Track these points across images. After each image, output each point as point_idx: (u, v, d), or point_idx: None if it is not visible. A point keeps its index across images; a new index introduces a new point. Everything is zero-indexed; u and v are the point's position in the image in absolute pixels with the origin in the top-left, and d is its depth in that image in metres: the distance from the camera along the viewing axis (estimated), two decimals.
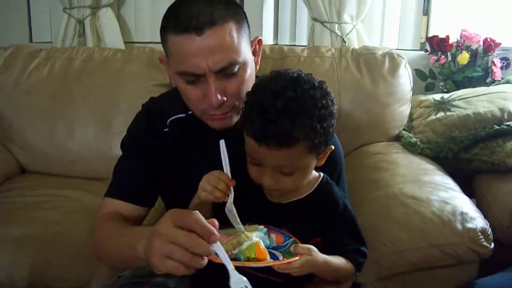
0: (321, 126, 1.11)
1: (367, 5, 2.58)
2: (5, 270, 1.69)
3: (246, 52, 1.22)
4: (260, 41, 1.33)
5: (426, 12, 2.78)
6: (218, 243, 0.96)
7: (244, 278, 0.99)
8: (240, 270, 1.04)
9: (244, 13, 1.25)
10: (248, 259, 1.07)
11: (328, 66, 2.25)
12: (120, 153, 1.45)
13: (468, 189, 1.85)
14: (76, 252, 1.74)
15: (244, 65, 1.22)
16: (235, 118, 1.27)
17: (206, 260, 0.96)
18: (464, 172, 2.04)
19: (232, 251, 1.08)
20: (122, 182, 1.41)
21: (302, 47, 2.51)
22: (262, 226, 1.17)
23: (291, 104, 1.09)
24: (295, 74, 1.15)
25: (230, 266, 0.99)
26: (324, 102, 1.12)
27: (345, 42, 2.57)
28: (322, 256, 1.14)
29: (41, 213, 1.95)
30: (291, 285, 1.20)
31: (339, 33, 2.58)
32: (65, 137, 2.29)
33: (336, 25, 2.58)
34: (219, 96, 1.19)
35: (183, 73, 1.20)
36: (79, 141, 2.28)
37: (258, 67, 1.32)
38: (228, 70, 1.19)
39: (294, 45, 2.77)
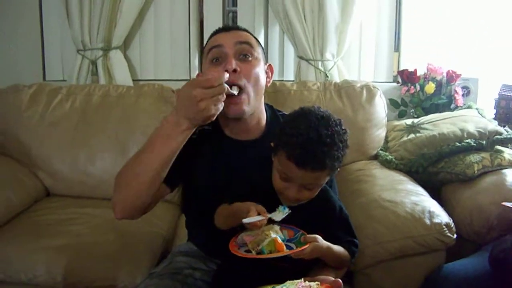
0: (342, 156, 1.39)
1: (346, 44, 2.82)
2: (48, 272, 1.93)
3: (260, 58, 1.59)
4: (270, 66, 1.69)
5: (397, 48, 3.02)
6: None
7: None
8: (264, 260, 1.31)
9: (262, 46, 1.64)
10: (270, 252, 1.32)
11: (314, 98, 2.51)
12: None
13: (437, 200, 2.03)
14: (105, 257, 1.97)
15: (257, 61, 1.58)
16: (247, 107, 1.56)
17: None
18: (432, 183, 2.28)
19: (257, 247, 1.33)
20: None
21: (291, 82, 2.75)
22: (276, 225, 1.39)
23: (325, 139, 1.34)
24: (324, 114, 1.40)
25: None
26: (344, 137, 1.40)
27: (327, 76, 2.80)
28: (326, 243, 1.40)
29: (72, 227, 2.18)
30: (298, 270, 1.42)
31: (322, 69, 2.82)
32: (87, 163, 2.51)
33: (320, 62, 2.82)
34: (234, 64, 1.52)
35: (212, 48, 1.56)
36: (100, 167, 2.51)
37: (269, 85, 1.67)
38: (244, 52, 1.55)
39: (283, 80, 3.01)
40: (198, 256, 1.77)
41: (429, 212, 1.85)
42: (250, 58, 1.56)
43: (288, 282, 1.30)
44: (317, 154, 1.34)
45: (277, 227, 1.39)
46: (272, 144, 1.46)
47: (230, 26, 1.59)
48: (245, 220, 1.32)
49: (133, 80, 3.04)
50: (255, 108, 1.61)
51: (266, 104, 1.71)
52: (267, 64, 1.68)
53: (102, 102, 2.62)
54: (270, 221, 1.38)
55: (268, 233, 1.35)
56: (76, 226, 2.20)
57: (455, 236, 1.81)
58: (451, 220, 1.84)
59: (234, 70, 1.52)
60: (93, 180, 2.53)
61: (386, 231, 1.82)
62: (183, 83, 2.55)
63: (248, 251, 1.34)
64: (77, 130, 2.56)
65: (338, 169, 1.44)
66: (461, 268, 1.77)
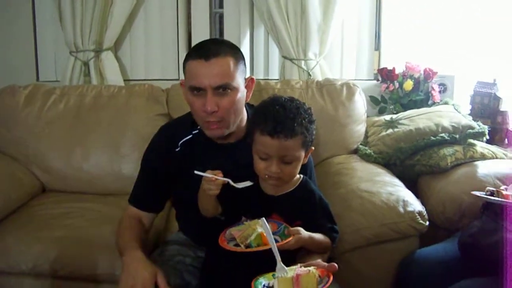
0: (310, 127, 1.54)
1: (328, 44, 2.90)
2: (48, 262, 2.03)
3: (239, 82, 1.66)
4: (252, 80, 1.76)
5: (377, 47, 3.10)
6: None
7: (285, 267, 1.37)
8: (253, 253, 1.43)
9: (243, 56, 1.70)
10: (258, 245, 1.44)
11: (297, 96, 2.52)
12: (128, 172, 1.88)
13: (413, 191, 2.14)
14: (103, 248, 2.06)
15: (235, 90, 1.64)
16: (225, 130, 1.68)
17: None
18: (409, 175, 2.38)
19: (246, 241, 1.45)
20: (140, 194, 1.85)
21: (275, 81, 2.85)
22: (261, 220, 1.48)
23: (292, 111, 1.52)
24: (288, 97, 1.60)
25: (278, 257, 1.37)
26: (309, 112, 1.56)
27: (310, 75, 2.88)
28: (308, 233, 1.52)
29: (70, 221, 2.28)
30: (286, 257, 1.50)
31: (305, 68, 2.90)
32: (81, 160, 2.61)
33: (303, 62, 2.90)
34: (212, 105, 1.60)
35: (192, 87, 1.63)
36: (94, 164, 2.61)
37: (248, 99, 1.75)
38: (222, 89, 1.61)
39: (268, 79, 3.10)
40: (187, 245, 1.90)
41: (403, 201, 1.97)
42: (229, 91, 1.63)
43: (288, 268, 1.39)
44: (286, 122, 1.49)
45: (262, 222, 1.49)
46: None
47: (209, 51, 1.61)
48: (196, 172, 1.52)
49: (124, 80, 3.13)
50: (235, 124, 1.72)
51: (247, 104, 1.80)
52: (248, 78, 1.75)
53: (94, 102, 2.72)
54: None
55: (254, 227, 1.47)
56: (73, 220, 2.30)
57: (427, 223, 1.93)
58: (424, 209, 1.96)
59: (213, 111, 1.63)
60: (87, 176, 2.62)
61: (363, 219, 1.94)
62: (173, 82, 2.75)
63: (237, 245, 1.47)
64: (72, 129, 2.66)
65: (312, 146, 1.59)
66: (432, 253, 1.88)
